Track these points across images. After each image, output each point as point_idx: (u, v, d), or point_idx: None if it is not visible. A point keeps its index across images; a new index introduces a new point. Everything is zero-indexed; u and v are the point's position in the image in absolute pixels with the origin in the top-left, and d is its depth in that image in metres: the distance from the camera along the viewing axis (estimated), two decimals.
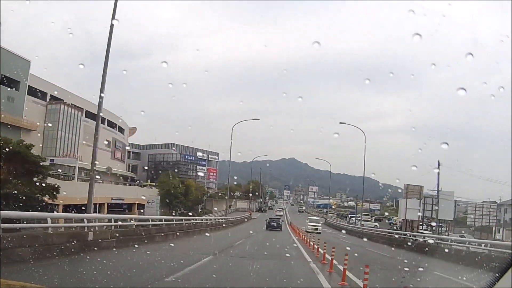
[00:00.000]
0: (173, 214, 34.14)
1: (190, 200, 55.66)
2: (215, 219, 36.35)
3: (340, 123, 50.56)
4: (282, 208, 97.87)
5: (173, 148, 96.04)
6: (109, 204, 37.77)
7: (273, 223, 37.83)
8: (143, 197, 42.72)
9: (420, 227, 33.90)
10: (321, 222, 43.63)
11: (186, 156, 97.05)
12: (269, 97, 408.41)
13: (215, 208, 72.23)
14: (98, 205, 26.64)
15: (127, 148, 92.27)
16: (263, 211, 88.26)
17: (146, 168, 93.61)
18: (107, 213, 33.55)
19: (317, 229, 36.95)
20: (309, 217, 45.69)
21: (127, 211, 38.70)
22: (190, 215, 36.66)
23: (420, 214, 31.87)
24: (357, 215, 61.20)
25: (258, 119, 48.91)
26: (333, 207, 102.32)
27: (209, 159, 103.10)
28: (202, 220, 32.52)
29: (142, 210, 39.94)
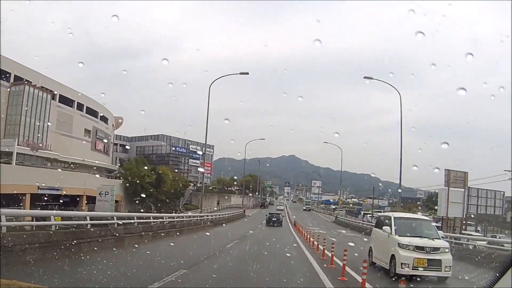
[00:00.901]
0: (141, 210, 26.80)
1: (163, 192, 46.91)
2: (188, 218, 28.44)
3: (364, 77, 33.07)
4: (283, 203, 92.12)
5: (172, 141, 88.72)
6: (34, 194, 28.37)
7: (273, 218, 38.31)
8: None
9: (465, 227, 26.38)
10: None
11: (177, 148, 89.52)
12: (269, 97, 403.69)
13: (216, 204, 64.49)
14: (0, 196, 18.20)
15: (124, 142, 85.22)
16: (265, 207, 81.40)
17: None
18: (30, 208, 25.21)
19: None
20: (397, 217, 12.41)
21: (68, 206, 29.63)
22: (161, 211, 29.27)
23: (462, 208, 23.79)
24: (368, 212, 54.04)
25: (248, 73, 34.92)
26: (334, 203, 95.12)
27: (204, 152, 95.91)
28: (174, 218, 25.07)
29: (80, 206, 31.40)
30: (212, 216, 37.53)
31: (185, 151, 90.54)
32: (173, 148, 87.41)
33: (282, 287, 8.94)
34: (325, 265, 12.27)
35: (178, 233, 21.37)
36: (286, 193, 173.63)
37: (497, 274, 2.47)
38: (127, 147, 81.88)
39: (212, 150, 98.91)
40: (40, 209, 19.12)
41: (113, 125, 79.18)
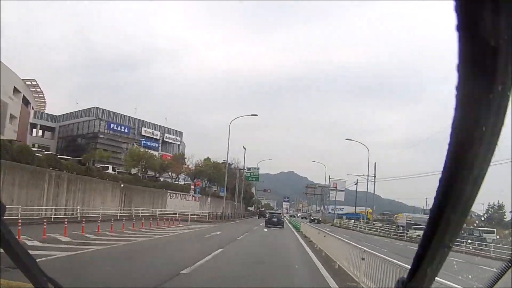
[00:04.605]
0: None
1: None
2: None
3: None
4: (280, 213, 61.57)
5: (116, 119, 58.95)
6: None
7: (274, 219, 36.63)
8: None
9: None
10: None
11: (114, 126, 59.16)
12: (267, 112, 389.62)
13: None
14: None
15: (50, 123, 55.44)
16: (264, 216, 51.37)
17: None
18: None
19: None
20: None
21: None
22: None
23: None
24: None
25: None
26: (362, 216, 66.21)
27: (165, 139, 66.46)
28: None
29: None
30: None
31: (127, 131, 60.28)
32: (107, 125, 56.66)
33: None
34: None
35: None
36: (285, 208, 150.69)
37: (497, 274, 2.10)
38: (48, 128, 52.16)
39: (179, 139, 70.09)
40: None
41: (17, 92, 50.64)
